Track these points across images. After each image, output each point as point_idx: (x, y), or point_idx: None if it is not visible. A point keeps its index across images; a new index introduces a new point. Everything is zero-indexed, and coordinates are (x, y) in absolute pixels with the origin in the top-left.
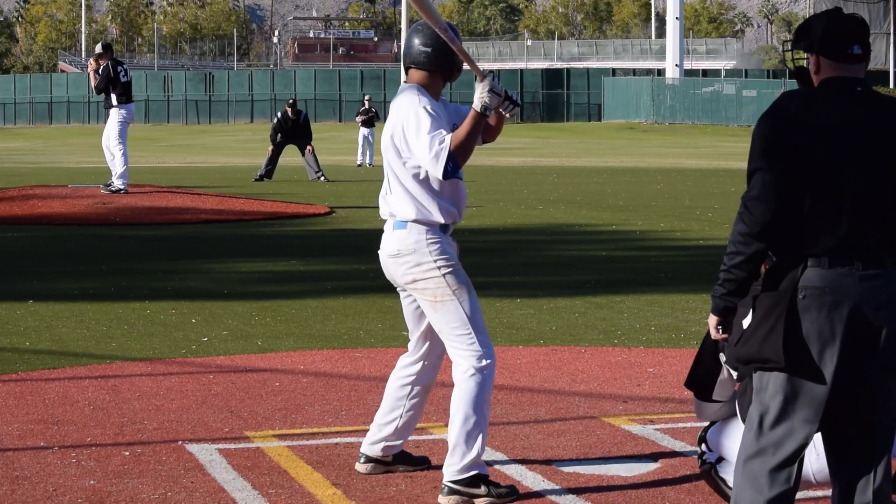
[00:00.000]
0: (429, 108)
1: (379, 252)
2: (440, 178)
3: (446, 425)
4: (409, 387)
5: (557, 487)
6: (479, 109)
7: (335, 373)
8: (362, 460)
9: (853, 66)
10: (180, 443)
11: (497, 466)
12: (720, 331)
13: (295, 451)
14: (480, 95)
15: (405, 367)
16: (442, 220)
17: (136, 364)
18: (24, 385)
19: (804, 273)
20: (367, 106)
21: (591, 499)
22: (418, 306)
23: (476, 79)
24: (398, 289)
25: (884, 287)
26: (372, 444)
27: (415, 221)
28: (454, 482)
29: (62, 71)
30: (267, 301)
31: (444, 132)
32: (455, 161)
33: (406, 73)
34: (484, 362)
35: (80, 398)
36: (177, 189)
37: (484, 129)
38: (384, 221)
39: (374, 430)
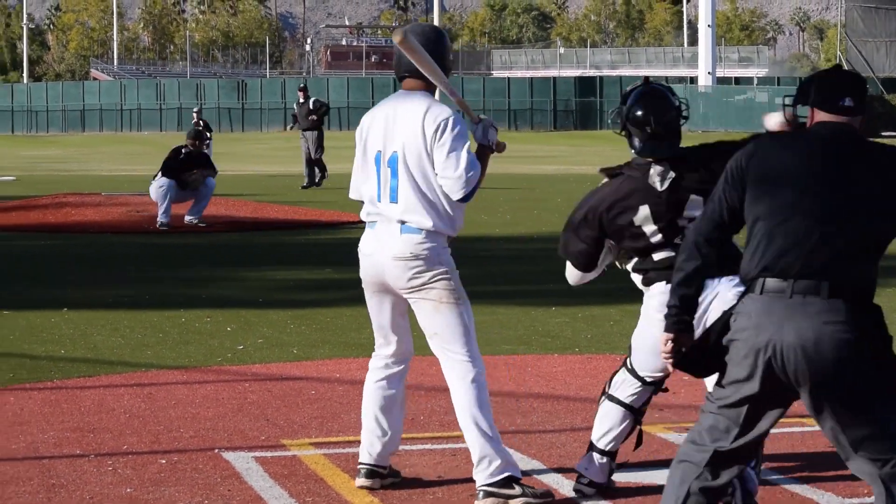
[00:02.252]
0: (462, 125)
1: (369, 253)
2: (459, 200)
3: None
4: (395, 390)
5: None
6: (487, 143)
7: None
8: (364, 473)
9: (845, 117)
10: (217, 451)
11: (534, 475)
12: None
13: (331, 459)
14: (485, 132)
15: (383, 369)
16: (453, 234)
17: (172, 372)
18: (60, 393)
19: (743, 296)
20: (195, 119)
21: None
22: (402, 310)
23: (473, 120)
24: (374, 292)
25: (815, 318)
26: (376, 455)
27: (431, 230)
28: (488, 485)
29: (94, 79)
30: (302, 309)
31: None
32: (475, 191)
33: (401, 80)
34: (480, 368)
35: (115, 406)
36: (211, 197)
37: None
38: (370, 222)
39: (372, 441)
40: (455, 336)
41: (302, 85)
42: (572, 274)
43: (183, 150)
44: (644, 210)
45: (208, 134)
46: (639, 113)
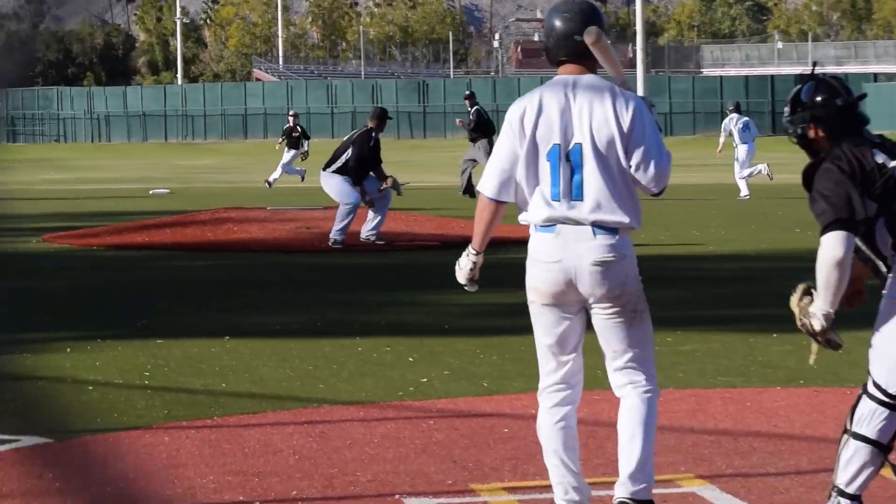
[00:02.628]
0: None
1: (555, 260)
2: (654, 193)
3: (697, 476)
4: (574, 424)
5: None
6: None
7: None
8: None
9: None
10: (398, 496)
11: None
12: None
13: None
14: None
15: (560, 407)
16: (639, 228)
17: (347, 408)
18: (221, 432)
19: None
20: (291, 124)
21: None
22: (582, 322)
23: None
24: (551, 305)
25: None
26: (575, 502)
27: (625, 226)
28: (629, 499)
29: (257, 79)
30: (492, 337)
31: None
32: None
33: (557, 64)
34: (657, 390)
35: (283, 446)
36: (390, 211)
37: None
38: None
39: (566, 489)
40: (643, 350)
41: (468, 92)
42: (836, 248)
43: (373, 135)
44: (876, 152)
45: (306, 142)
46: (819, 98)
